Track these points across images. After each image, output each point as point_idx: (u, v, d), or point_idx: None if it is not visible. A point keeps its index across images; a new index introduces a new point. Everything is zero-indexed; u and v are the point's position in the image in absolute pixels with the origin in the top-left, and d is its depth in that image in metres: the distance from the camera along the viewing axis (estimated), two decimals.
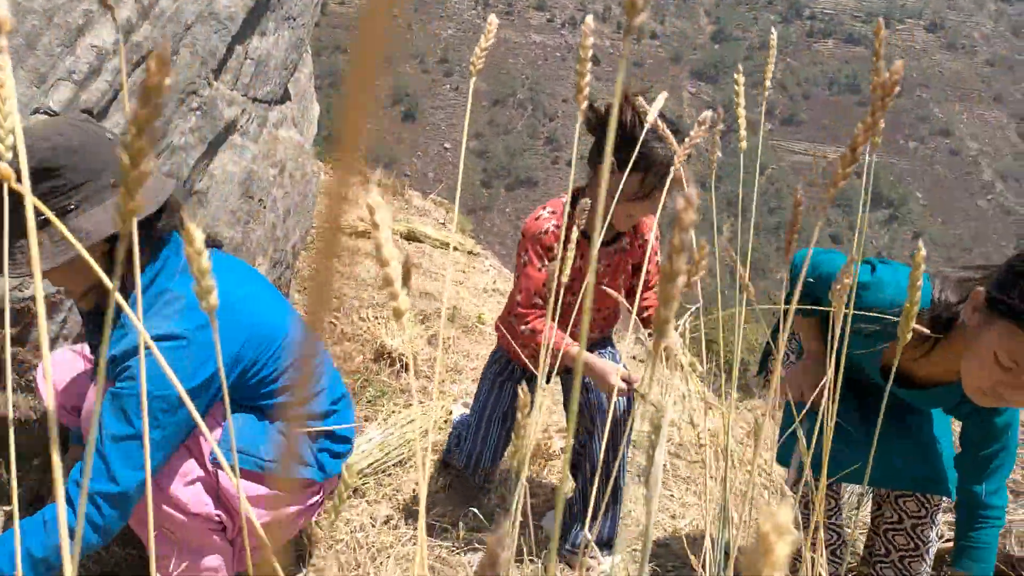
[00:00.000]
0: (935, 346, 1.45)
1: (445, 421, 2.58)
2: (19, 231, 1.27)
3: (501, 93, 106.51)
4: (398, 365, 2.88)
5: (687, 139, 0.90)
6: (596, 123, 1.76)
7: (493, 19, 0.92)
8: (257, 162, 2.45)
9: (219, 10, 2.24)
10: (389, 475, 2.26)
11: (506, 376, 2.14)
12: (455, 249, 5.20)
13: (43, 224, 1.27)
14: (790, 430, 1.69)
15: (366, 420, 2.51)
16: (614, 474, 2.03)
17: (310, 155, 2.87)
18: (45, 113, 1.83)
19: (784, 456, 1.76)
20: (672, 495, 2.56)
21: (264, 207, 2.47)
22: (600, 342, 2.12)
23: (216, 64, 2.25)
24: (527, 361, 1.97)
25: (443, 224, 6.66)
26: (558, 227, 1.82)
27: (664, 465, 2.73)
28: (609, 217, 1.45)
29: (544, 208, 1.89)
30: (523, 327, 1.87)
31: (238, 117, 2.37)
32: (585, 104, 0.63)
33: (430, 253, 5.20)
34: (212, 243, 1.69)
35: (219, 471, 1.51)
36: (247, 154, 2.40)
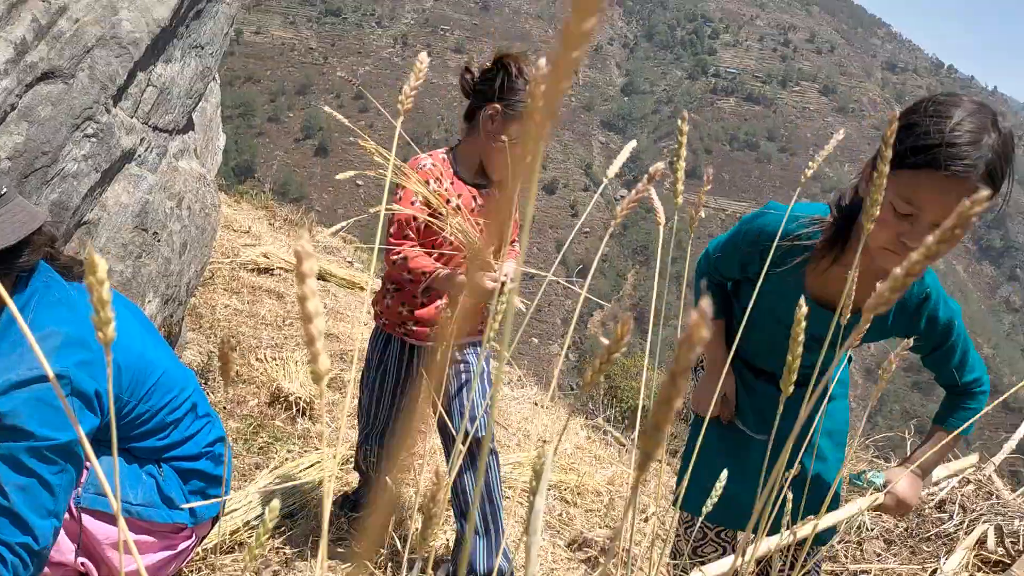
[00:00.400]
0: (844, 249, 1.45)
1: (342, 467, 2.50)
2: None
3: (417, 132, 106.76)
4: (294, 410, 2.78)
5: (634, 191, 0.90)
6: (472, 84, 1.97)
7: (423, 56, 0.90)
8: (154, 193, 2.35)
9: (122, 34, 2.15)
10: (278, 526, 2.16)
11: (387, 354, 2.12)
12: (362, 289, 5.12)
13: None
14: (688, 469, 1.68)
15: (257, 467, 2.40)
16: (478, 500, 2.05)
17: (211, 187, 2.78)
18: None
19: (686, 501, 1.68)
20: (557, 543, 2.56)
21: (159, 241, 2.36)
22: (471, 345, 2.11)
23: (116, 90, 2.16)
24: (404, 334, 2.05)
25: (351, 263, 6.56)
26: (435, 166, 1.95)
27: (560, 514, 2.73)
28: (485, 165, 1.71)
29: (419, 156, 2.01)
30: (394, 257, 1.92)
31: (136, 146, 2.28)
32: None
33: (336, 292, 5.10)
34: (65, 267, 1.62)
35: (84, 515, 1.43)
36: (144, 184, 2.30)
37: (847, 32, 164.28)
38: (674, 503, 1.71)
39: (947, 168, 1.22)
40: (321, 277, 5.15)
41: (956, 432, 1.54)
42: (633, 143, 1.13)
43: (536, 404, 3.97)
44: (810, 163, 1.07)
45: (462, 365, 2.05)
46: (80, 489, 1.45)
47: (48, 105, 2.00)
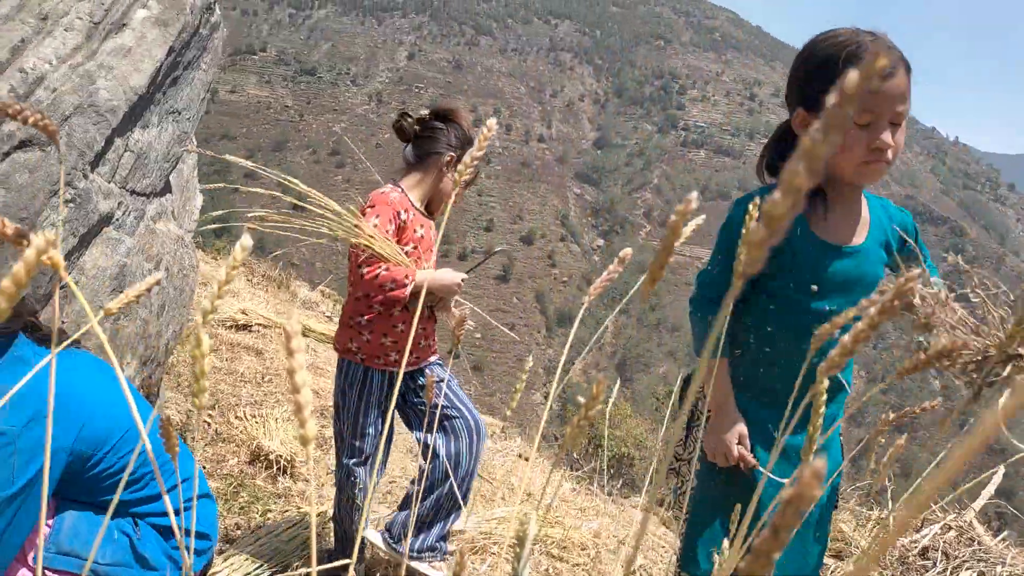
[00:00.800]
0: (826, 196, 1.55)
1: (323, 528, 2.46)
2: None
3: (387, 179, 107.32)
4: (275, 468, 2.75)
5: (606, 272, 0.84)
6: (417, 130, 2.22)
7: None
8: (132, 256, 2.36)
9: (100, 102, 2.19)
10: None
11: (368, 389, 2.16)
12: None
13: None
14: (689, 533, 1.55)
15: (236, 528, 2.36)
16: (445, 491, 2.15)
17: (189, 248, 2.79)
18: None
19: (693, 563, 1.55)
20: None
21: (137, 303, 2.36)
22: (427, 357, 2.26)
23: (93, 156, 2.18)
24: (384, 364, 2.13)
25: (329, 317, 6.55)
26: (400, 198, 2.13)
27: (546, 569, 2.70)
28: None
29: (382, 189, 2.18)
30: (374, 273, 2.02)
31: (114, 210, 2.29)
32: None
33: (315, 348, 5.08)
34: (44, 338, 1.61)
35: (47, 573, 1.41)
36: (121, 248, 2.31)
37: None
38: (683, 567, 1.57)
39: (880, 74, 1.36)
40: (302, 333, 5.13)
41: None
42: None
43: (520, 456, 3.95)
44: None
45: (440, 381, 2.21)
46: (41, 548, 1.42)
47: (25, 172, 2.02)
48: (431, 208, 2.26)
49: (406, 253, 2.11)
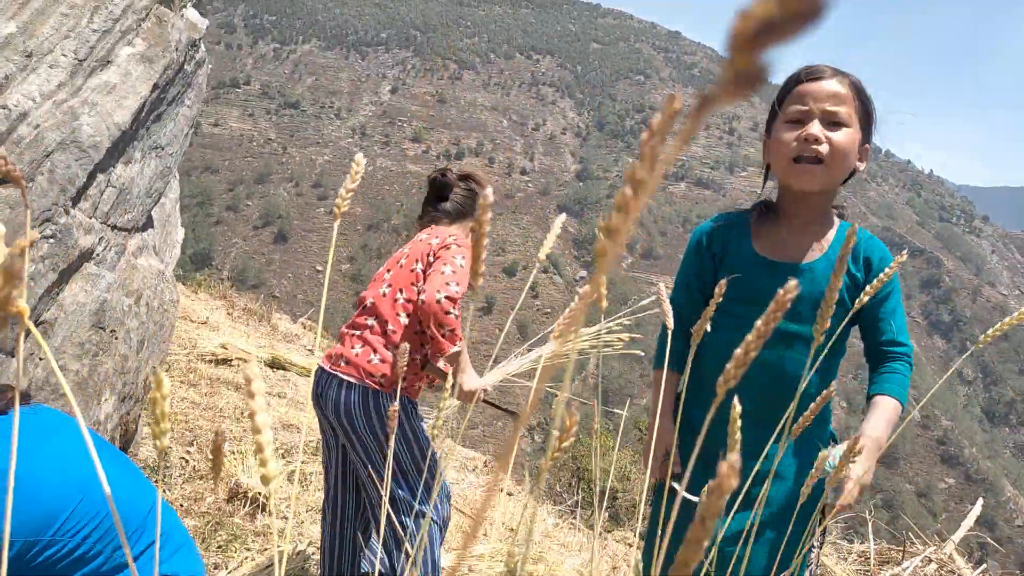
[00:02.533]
0: (776, 213, 1.61)
1: (303, 568, 2.43)
2: None
3: (376, 218, 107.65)
4: (254, 505, 2.72)
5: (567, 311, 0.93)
6: (454, 184, 2.29)
7: (360, 158, 0.95)
8: (112, 291, 2.35)
9: (83, 138, 2.20)
10: None
11: (414, 421, 2.10)
12: None
13: None
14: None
15: (215, 568, 2.32)
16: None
17: (170, 283, 2.78)
18: None
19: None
20: None
21: (116, 338, 2.35)
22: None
23: (75, 192, 2.18)
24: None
25: (311, 351, 6.51)
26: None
27: None
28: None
29: (459, 234, 2.22)
30: (454, 318, 1.98)
31: (95, 245, 2.29)
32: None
33: (296, 381, 5.04)
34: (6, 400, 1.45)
35: None
36: (102, 283, 2.30)
37: None
38: None
39: (807, 75, 1.51)
40: (281, 367, 5.10)
41: (899, 401, 1.50)
42: (563, 217, 1.19)
43: (502, 491, 3.93)
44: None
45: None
46: None
47: (6, 208, 2.01)
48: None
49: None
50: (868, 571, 3.03)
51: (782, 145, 1.50)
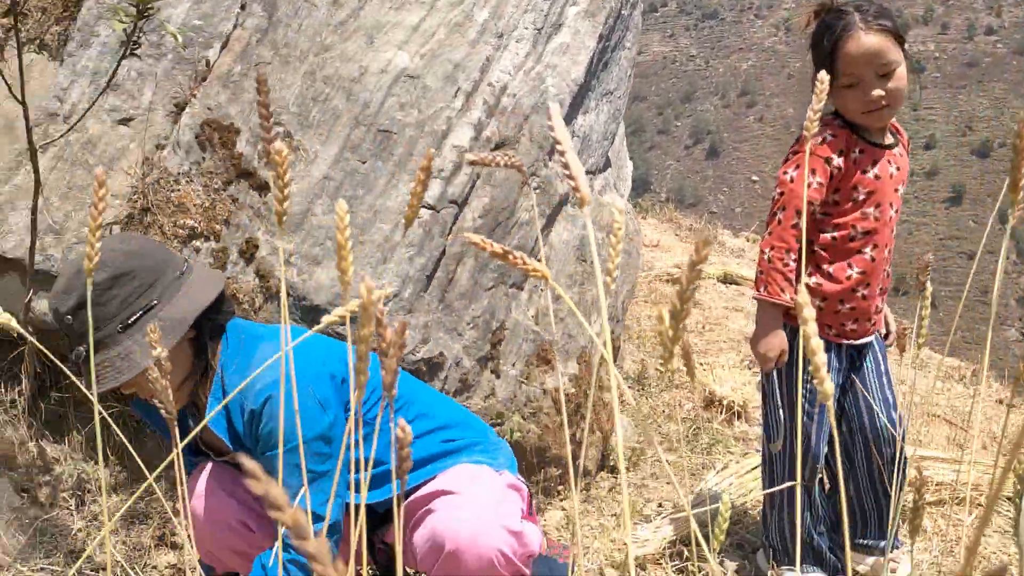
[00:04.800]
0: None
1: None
2: (99, 344, 1.37)
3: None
4: (730, 412, 2.90)
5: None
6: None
7: (823, 75, 0.93)
8: (587, 228, 2.69)
9: (549, 99, 2.53)
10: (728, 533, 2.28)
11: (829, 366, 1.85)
12: None
13: (125, 328, 1.38)
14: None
15: (703, 468, 2.56)
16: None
17: (631, 215, 3.06)
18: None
19: None
20: None
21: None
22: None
23: (549, 147, 2.54)
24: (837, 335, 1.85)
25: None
26: (834, 136, 1.76)
27: None
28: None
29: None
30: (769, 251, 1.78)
31: (569, 191, 2.64)
32: None
33: (751, 295, 5.12)
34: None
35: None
36: (579, 222, 2.65)
37: None
38: None
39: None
40: (734, 282, 5.22)
41: None
42: None
43: (1000, 402, 3.51)
44: None
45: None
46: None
47: (503, 168, 2.44)
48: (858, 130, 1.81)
49: (859, 204, 1.78)
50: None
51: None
